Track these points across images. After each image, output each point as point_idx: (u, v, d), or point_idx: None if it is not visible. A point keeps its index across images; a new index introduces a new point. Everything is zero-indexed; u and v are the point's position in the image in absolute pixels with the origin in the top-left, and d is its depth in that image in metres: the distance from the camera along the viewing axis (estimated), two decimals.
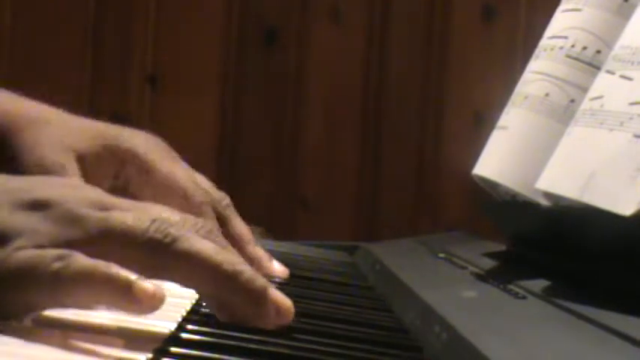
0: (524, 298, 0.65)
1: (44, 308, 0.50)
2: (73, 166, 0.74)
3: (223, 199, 0.80)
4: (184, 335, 0.52)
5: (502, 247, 0.91)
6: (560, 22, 0.85)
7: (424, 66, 1.62)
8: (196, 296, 0.64)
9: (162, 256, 0.50)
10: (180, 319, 0.55)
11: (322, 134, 1.63)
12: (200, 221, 0.55)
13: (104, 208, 0.51)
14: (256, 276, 0.52)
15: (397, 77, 1.63)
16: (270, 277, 0.74)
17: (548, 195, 0.72)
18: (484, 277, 0.75)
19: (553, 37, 0.84)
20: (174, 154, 0.80)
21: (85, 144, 0.78)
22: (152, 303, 0.48)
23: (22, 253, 0.48)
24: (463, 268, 0.82)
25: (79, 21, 1.62)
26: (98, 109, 1.62)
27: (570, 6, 0.84)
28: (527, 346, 0.51)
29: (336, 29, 1.63)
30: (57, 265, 0.48)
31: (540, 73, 0.83)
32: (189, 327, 0.53)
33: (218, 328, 0.53)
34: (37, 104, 0.83)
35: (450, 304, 0.62)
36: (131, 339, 0.49)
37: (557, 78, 0.81)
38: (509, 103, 0.86)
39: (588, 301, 0.59)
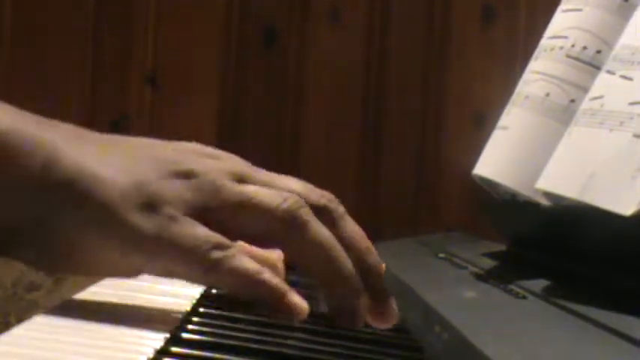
0: (524, 298, 0.65)
1: (186, 280, 0.54)
2: None
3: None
4: (185, 335, 0.52)
5: (502, 247, 0.91)
6: (560, 22, 0.85)
7: (424, 66, 1.62)
8: (197, 296, 0.64)
9: (290, 236, 0.56)
10: (180, 319, 0.55)
11: (322, 134, 1.63)
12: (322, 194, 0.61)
13: (242, 180, 0.57)
14: (352, 275, 0.58)
15: (397, 77, 1.62)
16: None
17: (548, 195, 0.72)
18: (484, 277, 0.75)
19: (553, 37, 0.84)
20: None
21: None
22: (298, 315, 0.55)
23: (180, 226, 0.53)
24: (463, 268, 0.82)
25: (79, 21, 1.62)
26: (98, 109, 1.62)
27: (570, 6, 0.84)
28: (527, 346, 0.51)
29: (336, 29, 1.62)
30: (215, 255, 0.53)
31: (540, 73, 0.83)
32: (190, 327, 0.53)
33: (218, 328, 0.53)
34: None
35: (450, 304, 0.62)
36: (132, 339, 0.49)
37: (557, 78, 0.81)
38: (510, 103, 0.86)
39: (588, 301, 0.59)
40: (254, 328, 0.54)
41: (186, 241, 0.53)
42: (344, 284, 0.57)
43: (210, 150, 0.60)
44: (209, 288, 0.68)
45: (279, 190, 0.58)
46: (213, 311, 0.58)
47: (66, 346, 0.47)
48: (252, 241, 0.57)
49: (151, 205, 0.53)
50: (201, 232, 0.53)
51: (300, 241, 0.56)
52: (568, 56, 0.81)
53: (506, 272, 0.78)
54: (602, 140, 0.65)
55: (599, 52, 0.79)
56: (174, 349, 0.49)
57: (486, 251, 0.90)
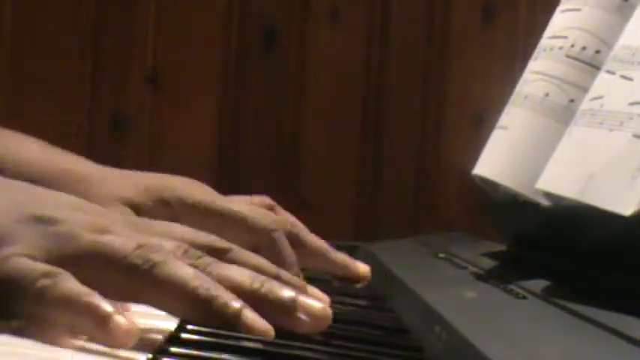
0: (524, 298, 0.65)
1: (28, 318, 0.51)
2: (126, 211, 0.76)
3: (288, 218, 0.82)
4: (184, 335, 0.52)
5: (502, 247, 0.91)
6: (559, 22, 0.85)
7: (424, 66, 1.62)
8: None
9: (139, 282, 0.52)
10: (180, 319, 0.55)
11: (322, 134, 1.63)
12: (193, 251, 0.56)
13: (105, 232, 0.53)
14: (230, 299, 0.53)
15: (397, 77, 1.62)
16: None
17: (548, 195, 0.72)
18: (484, 277, 0.75)
19: (553, 37, 0.84)
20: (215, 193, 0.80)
21: (135, 193, 0.78)
22: (124, 339, 0.48)
23: (14, 261, 0.50)
24: (463, 268, 0.82)
25: (79, 21, 1.62)
26: (98, 109, 1.62)
27: (570, 6, 0.84)
28: (527, 346, 0.51)
29: (336, 29, 1.62)
30: (44, 282, 0.49)
31: (540, 73, 0.83)
32: (190, 327, 0.53)
33: (218, 328, 0.53)
34: (73, 157, 0.84)
35: (450, 304, 0.62)
36: None
37: (556, 78, 0.81)
38: (509, 103, 0.86)
39: (588, 301, 0.59)
40: None
41: (12, 274, 0.50)
42: (213, 314, 0.52)
43: (81, 202, 0.57)
44: None
45: (135, 238, 0.54)
46: None
47: (70, 342, 0.47)
48: (112, 297, 0.52)
49: None
50: (30, 264, 0.50)
51: (152, 286, 0.52)
52: (567, 56, 0.81)
53: (506, 272, 0.77)
54: (602, 140, 0.65)
55: (598, 52, 0.79)
56: (173, 349, 0.49)
57: (486, 251, 0.90)
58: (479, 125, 1.53)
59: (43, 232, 0.52)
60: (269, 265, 0.59)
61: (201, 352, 0.49)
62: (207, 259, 0.55)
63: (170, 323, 0.54)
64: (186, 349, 0.49)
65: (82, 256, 0.52)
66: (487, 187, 0.87)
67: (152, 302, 0.53)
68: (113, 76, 1.63)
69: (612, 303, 0.57)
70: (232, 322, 0.52)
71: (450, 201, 1.60)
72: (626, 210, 0.59)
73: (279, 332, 0.53)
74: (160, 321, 0.54)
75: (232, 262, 0.57)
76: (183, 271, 0.53)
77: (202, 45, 1.63)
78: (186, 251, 0.55)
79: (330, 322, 0.55)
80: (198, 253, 0.55)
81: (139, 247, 0.52)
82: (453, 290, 0.71)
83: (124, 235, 0.54)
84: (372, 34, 1.62)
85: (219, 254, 0.57)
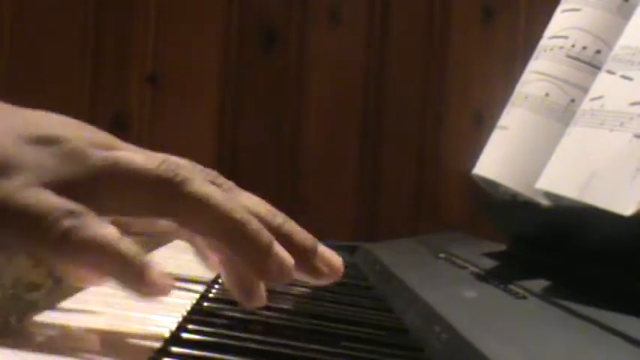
0: (524, 298, 0.65)
1: (39, 255, 0.48)
2: None
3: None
4: (185, 335, 0.52)
5: (502, 247, 0.91)
6: (560, 22, 0.85)
7: (424, 66, 1.62)
8: (197, 296, 0.64)
9: (171, 196, 0.48)
10: (180, 319, 0.55)
11: (322, 134, 1.63)
12: (209, 170, 0.53)
13: (113, 149, 0.49)
14: (263, 229, 0.50)
15: (397, 77, 1.62)
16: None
17: (548, 195, 0.72)
18: (484, 277, 0.75)
19: (553, 37, 0.84)
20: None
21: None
22: (161, 292, 0.46)
23: (31, 193, 0.46)
24: (463, 268, 0.82)
25: (79, 21, 1.62)
26: (98, 109, 1.62)
27: (570, 6, 0.84)
28: (527, 346, 0.51)
29: (336, 29, 1.62)
30: (67, 223, 0.45)
31: (540, 73, 0.83)
32: (190, 327, 0.53)
33: (218, 328, 0.53)
34: None
35: (450, 304, 0.62)
36: (132, 339, 0.49)
37: (557, 78, 0.81)
38: (510, 103, 0.86)
39: (588, 301, 0.59)
40: (253, 329, 0.54)
41: (31, 209, 0.45)
42: (247, 237, 0.49)
43: (77, 122, 0.52)
44: (208, 288, 0.68)
45: (153, 154, 0.50)
46: (213, 312, 0.58)
47: (70, 342, 0.47)
48: (134, 214, 0.50)
49: (1, 171, 0.46)
50: (51, 200, 0.45)
51: (184, 201, 0.48)
52: (568, 56, 0.81)
53: (506, 272, 0.78)
54: (603, 140, 0.65)
55: (598, 52, 0.79)
56: (174, 349, 0.49)
57: (486, 251, 0.90)
58: (479, 125, 1.53)
59: (49, 154, 0.47)
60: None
61: (201, 352, 0.49)
62: (228, 182, 0.52)
63: (170, 323, 0.54)
64: (187, 349, 0.49)
65: (100, 175, 0.48)
66: (487, 186, 0.87)
67: (183, 218, 0.49)
68: (113, 76, 1.63)
69: (612, 303, 0.57)
70: (264, 248, 0.49)
71: (450, 201, 1.60)
72: (626, 210, 0.59)
73: (280, 332, 0.53)
74: (160, 321, 0.54)
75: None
76: (214, 190, 0.49)
77: (202, 45, 1.63)
78: (202, 170, 0.52)
79: (341, 275, 0.52)
80: (215, 173, 0.52)
81: (164, 161, 0.49)
82: (453, 290, 0.71)
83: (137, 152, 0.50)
84: (372, 34, 1.62)
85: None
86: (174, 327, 0.53)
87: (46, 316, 0.51)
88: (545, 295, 0.64)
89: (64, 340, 0.48)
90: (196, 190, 0.49)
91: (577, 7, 0.83)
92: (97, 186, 0.47)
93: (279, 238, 0.51)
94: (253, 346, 0.50)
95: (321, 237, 0.84)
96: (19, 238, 0.46)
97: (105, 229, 0.46)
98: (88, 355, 0.46)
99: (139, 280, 0.45)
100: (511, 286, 0.68)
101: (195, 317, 0.56)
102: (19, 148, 0.47)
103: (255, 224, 0.50)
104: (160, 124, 1.61)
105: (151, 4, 1.63)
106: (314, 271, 0.52)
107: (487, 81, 1.56)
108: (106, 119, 1.61)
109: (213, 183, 0.52)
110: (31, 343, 0.46)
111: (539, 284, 0.68)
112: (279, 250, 0.51)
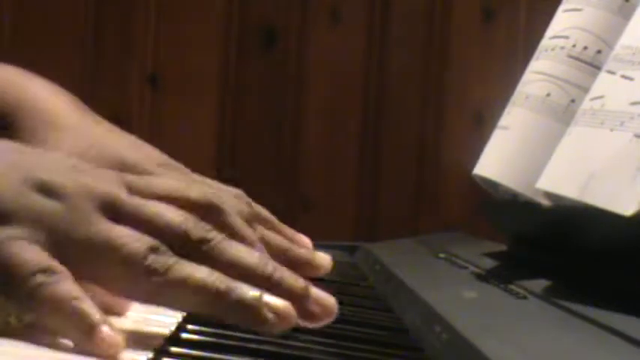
0: (524, 298, 0.65)
1: (14, 309, 0.49)
2: None
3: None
4: (184, 335, 0.52)
5: (502, 247, 0.91)
6: (561, 22, 0.85)
7: (424, 66, 1.62)
8: None
9: (156, 284, 0.49)
10: (180, 319, 0.55)
11: (322, 134, 1.63)
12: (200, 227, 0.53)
13: (112, 210, 0.51)
14: (248, 289, 0.51)
15: (397, 77, 1.62)
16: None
17: (548, 195, 0.72)
18: (484, 277, 0.75)
19: (554, 37, 0.84)
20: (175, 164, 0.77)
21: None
22: (109, 350, 0.46)
23: (12, 246, 0.47)
24: (463, 268, 0.82)
25: (79, 21, 1.62)
26: (98, 109, 1.62)
27: (571, 6, 0.84)
28: (527, 346, 0.51)
29: (336, 29, 1.62)
30: (37, 280, 0.47)
31: (541, 73, 0.83)
32: (190, 327, 0.53)
33: (218, 328, 0.52)
34: (51, 97, 0.79)
35: (450, 304, 0.62)
36: (131, 339, 0.49)
37: (558, 78, 0.81)
38: (510, 103, 0.86)
39: (588, 301, 0.59)
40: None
41: (10, 263, 0.47)
42: (231, 305, 0.50)
43: (78, 162, 0.54)
44: None
45: (149, 224, 0.51)
46: None
47: (70, 342, 0.47)
48: (114, 293, 0.52)
49: None
50: (31, 255, 0.47)
51: (168, 289, 0.50)
52: (569, 56, 0.81)
53: (506, 272, 0.77)
54: (603, 140, 0.65)
55: (599, 52, 0.79)
56: (173, 349, 0.49)
57: (486, 251, 0.90)
58: (479, 125, 1.53)
59: (50, 206, 0.49)
60: (279, 239, 0.57)
61: (201, 352, 0.48)
62: (217, 236, 0.53)
63: (170, 323, 0.53)
64: (187, 349, 0.49)
65: (91, 248, 0.49)
66: (487, 187, 0.87)
67: (169, 303, 0.51)
68: (113, 76, 1.63)
69: (612, 303, 0.57)
70: (253, 309, 0.50)
71: (450, 201, 1.60)
72: (626, 210, 0.59)
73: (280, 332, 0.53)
74: (160, 321, 0.54)
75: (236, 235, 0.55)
76: (197, 271, 0.50)
77: (202, 45, 1.63)
78: (195, 224, 0.52)
79: (335, 314, 0.53)
80: (208, 227, 0.53)
81: (152, 249, 0.50)
82: (453, 290, 0.71)
83: (132, 219, 0.51)
84: (372, 34, 1.62)
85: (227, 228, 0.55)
86: (173, 327, 0.53)
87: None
88: (545, 295, 0.64)
89: (63, 339, 0.48)
90: (181, 277, 0.49)
91: (578, 7, 0.83)
92: (84, 255, 0.49)
93: (272, 287, 0.52)
94: (253, 346, 0.50)
95: (322, 237, 0.84)
96: None
97: (68, 288, 0.47)
98: (87, 355, 0.46)
99: (87, 338, 0.46)
100: (511, 286, 0.68)
101: (194, 317, 0.56)
102: (20, 195, 0.48)
103: (239, 289, 0.50)
104: (160, 124, 1.61)
105: (151, 4, 1.63)
106: (307, 316, 0.52)
107: (487, 81, 1.56)
108: (105, 119, 1.61)
109: (202, 241, 0.52)
110: (30, 343, 0.46)
111: (539, 284, 0.68)
112: (271, 300, 0.51)
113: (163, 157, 0.75)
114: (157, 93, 1.63)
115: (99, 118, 0.79)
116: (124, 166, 0.70)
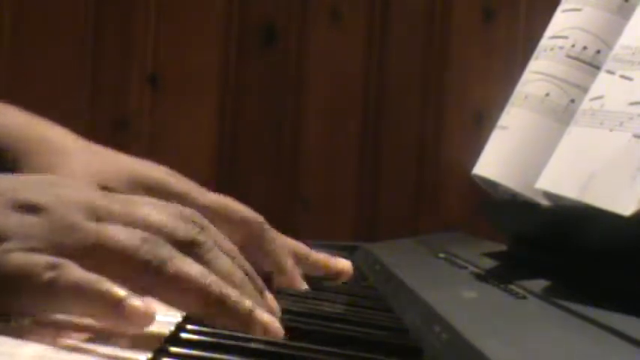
0: (524, 298, 0.65)
1: (37, 313, 0.50)
2: None
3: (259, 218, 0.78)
4: (184, 335, 0.52)
5: (502, 247, 0.91)
6: (560, 22, 0.85)
7: (424, 66, 1.62)
8: None
9: (151, 278, 0.51)
10: (180, 319, 0.55)
11: (322, 134, 1.63)
12: (193, 217, 0.56)
13: (97, 216, 0.52)
14: (242, 299, 0.53)
15: (397, 77, 1.62)
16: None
17: (548, 195, 0.72)
18: (484, 277, 0.75)
19: (553, 37, 0.84)
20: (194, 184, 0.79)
21: (117, 183, 0.76)
22: (142, 321, 0.48)
23: (15, 257, 0.49)
24: (463, 268, 0.82)
25: (79, 21, 1.62)
26: (98, 109, 1.62)
27: (570, 6, 0.84)
28: (527, 346, 0.51)
29: (336, 29, 1.62)
30: (50, 274, 0.49)
31: (540, 73, 0.83)
32: (189, 327, 0.53)
33: (218, 328, 0.53)
34: (57, 129, 0.82)
35: (450, 304, 0.62)
36: (131, 339, 0.49)
37: (557, 78, 0.81)
38: (510, 103, 0.86)
39: (588, 301, 0.59)
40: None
41: (19, 271, 0.49)
42: (227, 311, 0.53)
43: (61, 180, 0.56)
44: None
45: (138, 224, 0.53)
46: None
47: (70, 342, 0.47)
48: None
49: None
50: (34, 257, 0.49)
51: (163, 283, 0.52)
52: (568, 56, 0.81)
53: (506, 272, 0.77)
54: (602, 140, 0.65)
55: (599, 52, 0.79)
56: (173, 349, 0.49)
57: (486, 251, 0.90)
58: (479, 125, 1.53)
59: (37, 222, 0.51)
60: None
61: (201, 352, 0.49)
62: (211, 232, 0.55)
63: (170, 323, 0.53)
64: (186, 349, 0.49)
65: (87, 249, 0.51)
66: (487, 187, 0.87)
67: (164, 298, 0.52)
68: (113, 76, 1.63)
69: (612, 303, 0.57)
70: (245, 319, 0.53)
71: (450, 201, 1.60)
72: (626, 210, 0.59)
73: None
74: (159, 321, 0.54)
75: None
76: (193, 268, 0.52)
77: (202, 45, 1.63)
78: (185, 225, 0.54)
79: (280, 337, 0.54)
80: (196, 229, 0.55)
81: (146, 240, 0.52)
82: (453, 290, 0.71)
83: (119, 221, 0.53)
84: (372, 34, 1.62)
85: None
86: (173, 327, 0.53)
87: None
88: (545, 295, 0.64)
89: (63, 339, 0.48)
90: (176, 271, 0.52)
91: (577, 7, 0.83)
92: (85, 260, 0.50)
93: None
94: (252, 346, 0.50)
95: (322, 237, 0.84)
96: (13, 300, 0.49)
97: (83, 274, 0.49)
98: (87, 355, 0.46)
99: (118, 314, 0.48)
100: (511, 286, 0.68)
101: (194, 317, 0.56)
102: (5, 216, 0.50)
103: (233, 297, 0.53)
104: (160, 124, 1.61)
105: (151, 4, 1.63)
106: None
107: (487, 81, 1.56)
108: (106, 119, 1.61)
109: (193, 243, 0.54)
110: (30, 342, 0.46)
111: (539, 284, 0.68)
112: (259, 314, 0.53)
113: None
114: (157, 93, 1.63)
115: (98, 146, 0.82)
116: (145, 185, 0.75)
